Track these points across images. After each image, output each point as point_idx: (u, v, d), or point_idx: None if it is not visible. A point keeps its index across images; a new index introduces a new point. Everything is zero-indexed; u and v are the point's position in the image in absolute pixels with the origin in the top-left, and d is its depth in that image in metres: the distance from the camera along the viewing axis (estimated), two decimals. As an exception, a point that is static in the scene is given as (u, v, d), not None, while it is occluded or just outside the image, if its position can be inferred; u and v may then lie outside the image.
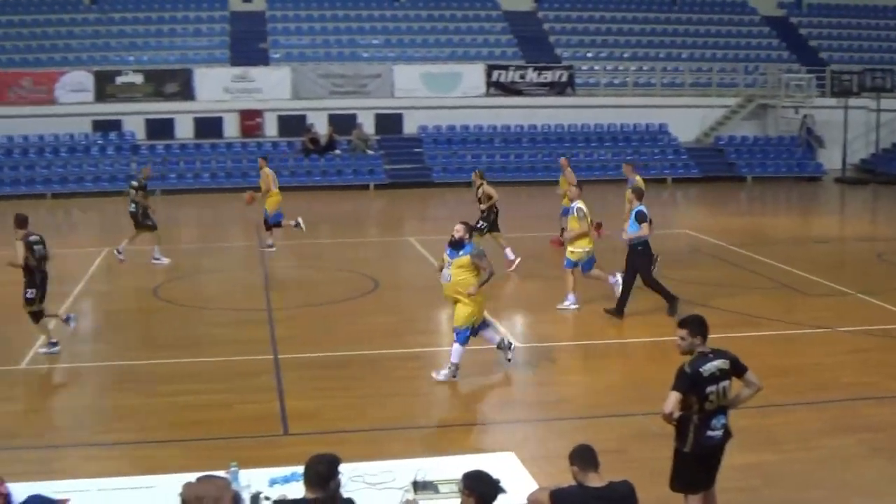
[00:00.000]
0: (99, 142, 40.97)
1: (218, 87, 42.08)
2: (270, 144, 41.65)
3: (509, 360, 15.05)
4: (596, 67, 45.89)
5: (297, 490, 7.17)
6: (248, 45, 44.96)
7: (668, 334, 9.24)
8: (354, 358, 16.16)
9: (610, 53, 47.07)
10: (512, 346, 15.15)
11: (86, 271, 23.25)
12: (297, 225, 25.84)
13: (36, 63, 42.73)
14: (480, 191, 23.34)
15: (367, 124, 42.40)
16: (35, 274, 16.05)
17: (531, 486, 7.91)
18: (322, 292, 21.57)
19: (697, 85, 45.83)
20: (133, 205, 24.03)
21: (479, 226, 22.81)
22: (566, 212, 25.09)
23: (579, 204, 18.97)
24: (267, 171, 26.07)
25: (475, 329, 14.68)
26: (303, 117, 41.84)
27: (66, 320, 16.79)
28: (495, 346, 15.07)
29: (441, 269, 14.58)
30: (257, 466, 8.50)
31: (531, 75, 43.70)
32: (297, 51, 44.95)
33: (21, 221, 16.06)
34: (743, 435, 9.49)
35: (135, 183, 24.35)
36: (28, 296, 16.06)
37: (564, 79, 44.10)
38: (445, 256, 14.45)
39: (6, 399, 14.40)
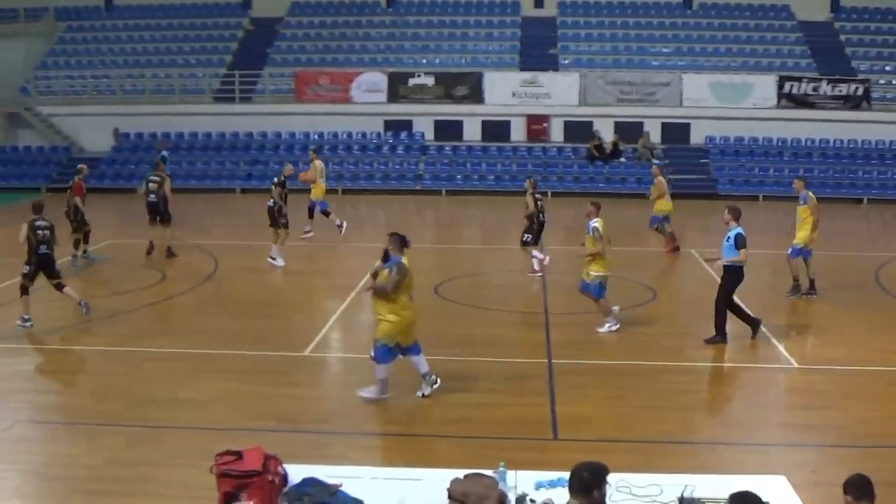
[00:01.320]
0: (390, 141, 42.29)
1: (506, 92, 42.63)
2: (556, 150, 41.97)
3: (424, 395, 14.19)
4: (894, 82, 43.90)
5: (562, 495, 7.21)
6: (537, 51, 45.43)
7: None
8: (628, 367, 16.10)
9: (910, 67, 44.96)
10: (436, 384, 14.25)
11: (371, 265, 23.95)
12: (340, 226, 27.12)
13: (333, 63, 44.53)
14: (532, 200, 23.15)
15: (654, 133, 42.07)
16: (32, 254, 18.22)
17: (802, 512, 7.72)
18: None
19: None
20: (271, 200, 24.37)
21: (524, 239, 22.54)
22: (654, 221, 24.86)
23: (596, 223, 18.04)
24: (317, 163, 27.51)
25: (404, 349, 14.10)
26: (589, 124, 41.82)
27: (81, 305, 18.38)
28: (421, 374, 14.30)
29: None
30: (525, 468, 8.55)
31: (825, 88, 42.18)
32: (585, 57, 45.03)
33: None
34: None
35: (276, 179, 24.70)
36: (23, 271, 18.31)
37: (860, 92, 42.32)
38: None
39: (290, 384, 15.12)
